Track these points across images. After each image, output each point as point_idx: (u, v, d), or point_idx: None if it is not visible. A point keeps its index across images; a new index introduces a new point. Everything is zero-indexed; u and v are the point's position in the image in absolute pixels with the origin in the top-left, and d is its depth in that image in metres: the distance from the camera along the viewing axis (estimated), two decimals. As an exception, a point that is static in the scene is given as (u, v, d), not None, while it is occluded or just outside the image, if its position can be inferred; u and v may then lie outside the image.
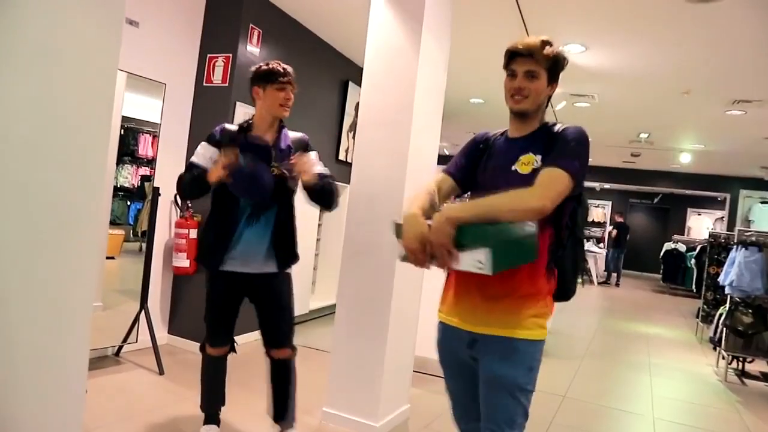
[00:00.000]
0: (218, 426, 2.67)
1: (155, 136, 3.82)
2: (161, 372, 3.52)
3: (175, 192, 4.08)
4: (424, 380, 3.94)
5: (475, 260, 1.48)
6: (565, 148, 1.63)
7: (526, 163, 1.67)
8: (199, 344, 4.07)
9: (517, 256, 1.53)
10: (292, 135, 2.57)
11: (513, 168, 1.68)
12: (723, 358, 5.21)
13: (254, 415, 2.94)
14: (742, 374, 5.24)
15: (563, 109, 6.95)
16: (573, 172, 1.57)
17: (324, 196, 2.49)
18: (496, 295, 1.63)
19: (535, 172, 1.61)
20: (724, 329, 5.20)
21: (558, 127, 1.69)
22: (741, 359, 5.26)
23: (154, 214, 3.70)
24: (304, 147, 2.55)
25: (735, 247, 5.28)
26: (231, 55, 4.10)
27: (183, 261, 4.01)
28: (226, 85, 4.11)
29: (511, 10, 4.02)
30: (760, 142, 7.67)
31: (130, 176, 3.80)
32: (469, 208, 1.54)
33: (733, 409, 4.24)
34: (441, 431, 3.18)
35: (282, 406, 2.62)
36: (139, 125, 3.76)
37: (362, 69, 3.12)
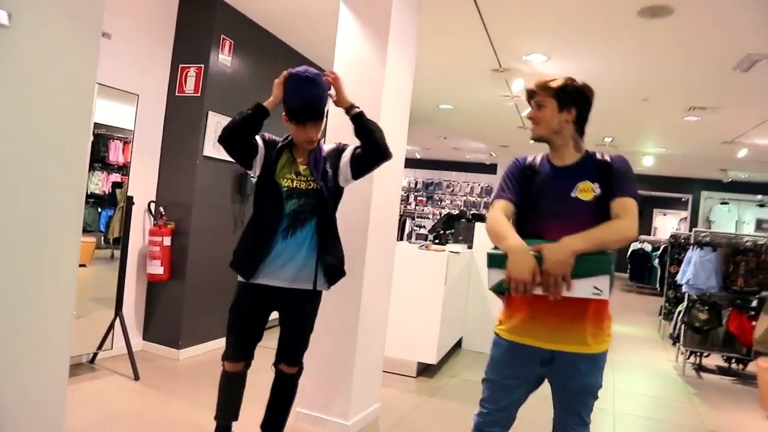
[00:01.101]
0: None
1: (126, 143, 3.84)
2: (137, 378, 3.58)
3: (148, 201, 4.16)
4: (394, 380, 4.07)
5: (591, 287, 1.66)
6: (626, 178, 1.88)
7: (585, 190, 1.89)
8: (172, 349, 4.18)
9: (613, 278, 1.73)
10: (326, 147, 2.57)
11: (573, 195, 1.89)
12: (682, 353, 5.45)
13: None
14: (699, 368, 5.48)
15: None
16: (638, 198, 1.86)
17: (373, 135, 2.43)
18: (577, 316, 1.83)
19: (597, 199, 1.86)
20: (682, 326, 5.45)
21: (604, 156, 1.95)
22: (698, 354, 5.50)
23: (128, 222, 3.76)
24: (338, 150, 2.55)
25: (691, 247, 5.53)
26: (203, 65, 4.18)
27: (157, 268, 4.07)
28: (198, 95, 4.19)
29: (475, 23, 4.18)
30: (718, 146, 7.99)
31: (100, 183, 3.77)
32: (587, 239, 1.72)
33: (689, 401, 4.47)
34: (410, 428, 3.31)
35: (276, 418, 2.67)
36: (110, 131, 3.74)
37: (331, 76, 3.24)
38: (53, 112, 1.75)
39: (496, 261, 1.74)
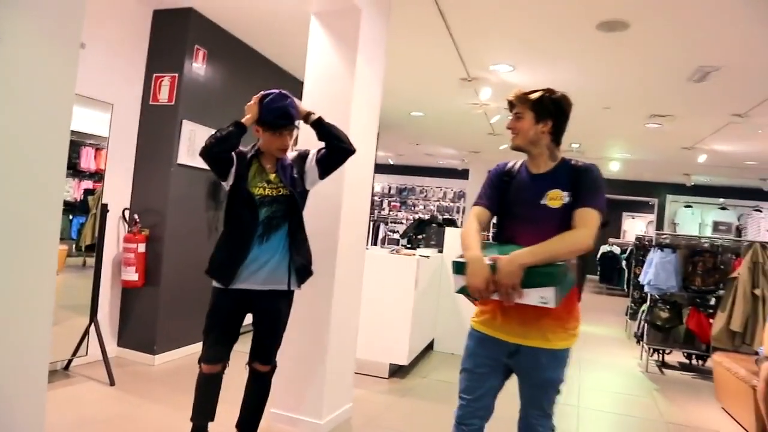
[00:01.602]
0: None
1: (98, 149, 3.84)
2: (112, 383, 3.62)
3: (123, 209, 4.21)
4: (367, 381, 4.18)
5: (539, 296, 1.81)
6: (591, 190, 1.96)
7: (553, 198, 1.99)
8: (147, 354, 4.23)
9: (567, 287, 1.88)
10: (290, 155, 2.74)
11: (542, 202, 2.00)
12: (645, 351, 5.66)
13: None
14: (662, 365, 5.70)
15: (500, 122, 7.36)
16: (602, 210, 1.94)
17: (333, 133, 2.67)
18: (542, 314, 1.94)
19: (565, 207, 1.96)
20: (645, 324, 5.67)
21: (577, 164, 2.03)
22: (661, 351, 5.73)
23: (102, 229, 3.80)
24: (302, 156, 2.75)
25: (652, 248, 5.76)
26: (177, 74, 4.25)
27: (131, 274, 4.12)
28: (172, 103, 4.25)
29: (443, 36, 4.34)
30: (679, 152, 8.30)
31: (72, 190, 3.74)
32: (535, 253, 1.85)
33: (650, 396, 4.66)
34: (382, 427, 3.42)
35: (251, 416, 2.77)
36: (81, 138, 3.71)
37: (302, 82, 3.37)
38: (32, 121, 1.82)
39: (458, 268, 1.91)
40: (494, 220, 2.19)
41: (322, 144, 2.72)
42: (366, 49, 3.29)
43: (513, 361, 2.04)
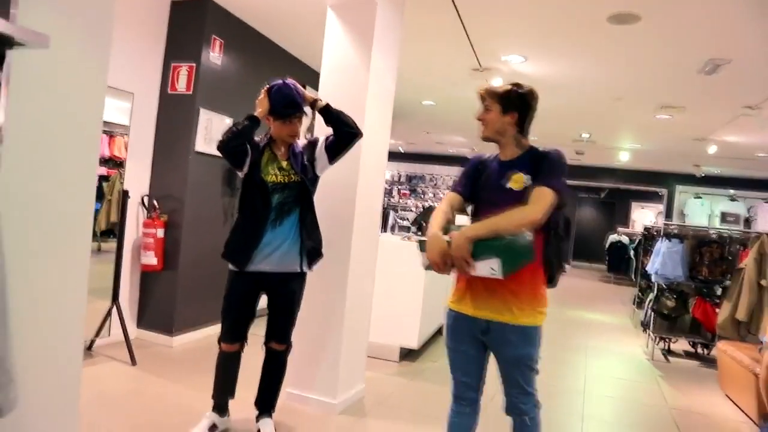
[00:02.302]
0: (223, 416, 2.87)
1: (112, 136, 3.97)
2: (134, 363, 3.77)
3: (142, 195, 4.33)
4: (378, 364, 4.30)
5: (489, 268, 1.96)
6: (550, 170, 2.09)
7: (516, 181, 2.13)
8: (165, 336, 4.38)
9: (520, 260, 1.99)
10: (301, 143, 2.88)
11: (507, 186, 2.14)
12: (651, 339, 5.75)
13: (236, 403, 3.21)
14: (668, 353, 5.79)
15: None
16: (557, 189, 2.04)
17: (340, 118, 2.79)
18: (506, 290, 2.08)
19: (527, 189, 2.08)
20: (652, 313, 5.75)
21: (541, 150, 2.17)
22: (666, 339, 5.82)
23: (124, 215, 3.93)
24: (312, 144, 2.87)
25: (660, 238, 5.82)
26: (195, 64, 4.35)
27: (151, 259, 4.25)
28: (190, 92, 4.35)
29: (456, 27, 4.40)
30: (690, 143, 8.31)
31: None
32: (481, 227, 2.01)
33: (654, 382, 4.76)
34: (393, 407, 3.54)
35: (268, 394, 2.90)
36: None
37: (318, 73, 3.46)
38: (69, 115, 1.92)
39: (421, 246, 2.08)
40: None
41: (330, 131, 2.84)
42: (381, 41, 3.37)
43: (486, 339, 2.15)
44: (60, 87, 1.88)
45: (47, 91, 1.83)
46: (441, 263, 1.99)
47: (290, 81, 2.74)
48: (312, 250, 2.83)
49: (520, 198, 2.06)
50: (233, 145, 2.68)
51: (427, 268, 2.07)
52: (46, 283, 1.89)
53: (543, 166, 2.10)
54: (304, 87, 2.85)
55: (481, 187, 2.22)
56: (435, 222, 2.10)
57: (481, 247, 1.95)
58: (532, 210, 2.00)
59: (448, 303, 2.27)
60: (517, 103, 2.14)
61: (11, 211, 1.57)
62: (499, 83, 5.81)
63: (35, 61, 1.75)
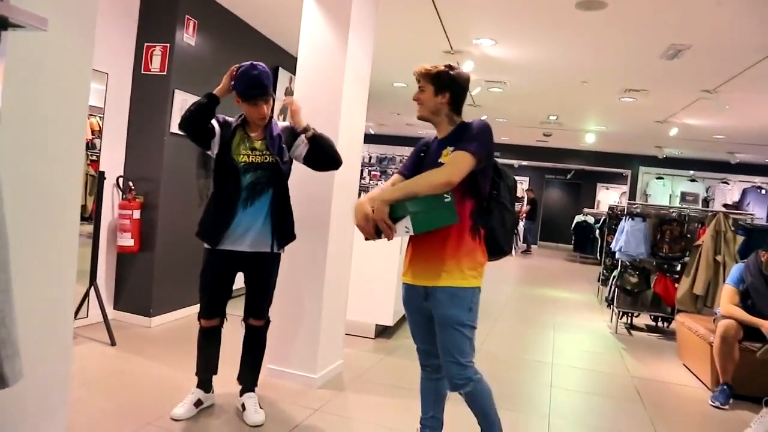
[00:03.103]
0: (207, 392, 2.95)
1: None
2: (113, 344, 3.80)
3: (117, 176, 4.32)
4: (355, 341, 4.43)
5: (403, 227, 2.10)
6: (467, 136, 2.19)
7: (446, 155, 2.24)
8: (143, 317, 4.41)
9: (437, 220, 2.12)
10: (281, 124, 2.91)
11: (439, 161, 2.25)
12: (615, 314, 6.01)
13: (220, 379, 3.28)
14: (631, 327, 6.07)
15: (480, 94, 7.54)
16: (472, 151, 2.12)
17: (325, 150, 2.82)
18: (435, 256, 2.20)
19: None
20: (616, 289, 6.01)
21: (468, 122, 2.28)
22: (629, 314, 6.09)
23: (100, 196, 3.93)
24: (293, 132, 2.88)
25: (624, 217, 6.06)
26: (168, 44, 4.32)
27: (127, 240, 4.26)
28: (165, 73, 4.34)
29: (429, 9, 4.48)
30: (652, 125, 8.59)
31: None
32: (396, 189, 2.16)
33: (618, 354, 5.01)
34: (371, 380, 3.67)
35: (250, 369, 2.98)
36: None
37: (291, 55, 3.50)
38: (56, 96, 1.95)
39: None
40: None
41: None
42: (357, 25, 3.43)
43: (428, 305, 2.26)
44: (48, 68, 1.91)
45: (36, 72, 1.86)
46: (366, 228, 2.13)
47: (260, 64, 2.75)
48: (283, 232, 2.87)
49: None
50: (192, 123, 2.72)
51: (366, 239, 2.20)
52: (38, 261, 1.94)
53: (464, 135, 2.20)
54: (294, 113, 2.88)
55: (424, 166, 2.32)
56: (369, 196, 2.21)
57: (397, 209, 2.09)
58: (443, 171, 2.11)
59: (401, 277, 2.39)
60: (448, 84, 2.24)
61: (3, 189, 1.61)
62: (470, 66, 5.95)
63: (24, 42, 1.78)
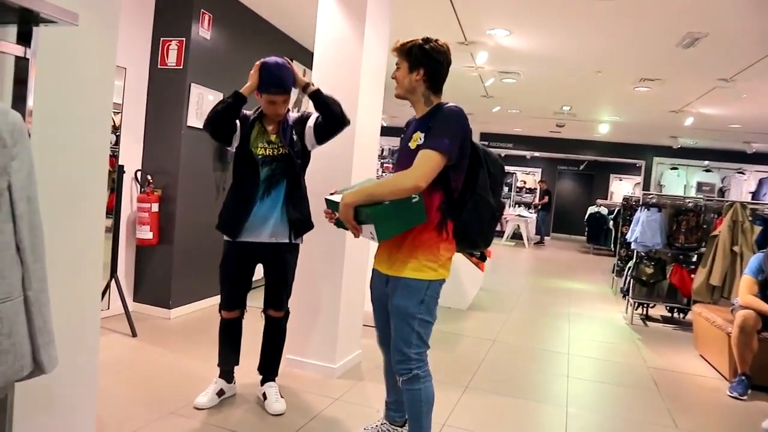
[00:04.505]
0: (230, 383, 2.99)
1: None
2: (134, 335, 3.86)
3: (135, 170, 4.37)
4: (373, 332, 4.44)
5: (368, 232, 2.07)
6: (435, 130, 2.05)
7: (414, 139, 2.16)
8: (163, 309, 4.47)
9: (404, 223, 2.06)
10: (293, 116, 2.90)
11: (409, 144, 2.18)
12: (630, 305, 5.99)
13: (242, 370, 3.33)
14: (646, 318, 6.06)
15: (493, 85, 7.52)
16: (442, 149, 2.00)
17: (329, 106, 2.75)
18: (396, 246, 2.17)
19: (419, 147, 2.08)
20: (631, 280, 5.99)
21: (443, 106, 2.14)
22: (645, 305, 6.07)
23: (119, 189, 3.98)
24: (303, 118, 2.89)
25: (639, 208, 6.03)
26: (184, 38, 4.35)
27: (146, 233, 4.31)
28: (181, 67, 4.37)
29: (442, 0, 4.47)
30: (667, 115, 8.52)
31: None
32: (359, 193, 2.07)
33: (634, 344, 5.00)
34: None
35: (270, 360, 3.02)
36: None
37: (306, 49, 3.50)
38: (82, 92, 1.98)
39: (328, 204, 2.25)
40: None
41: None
42: (373, 16, 3.44)
43: (387, 291, 2.24)
44: (75, 63, 1.93)
45: (63, 67, 1.89)
46: (331, 219, 2.21)
47: (282, 61, 2.76)
48: (298, 222, 2.88)
49: (412, 157, 2.05)
50: (219, 122, 2.75)
51: (335, 224, 2.23)
52: (67, 252, 1.97)
53: (433, 125, 2.06)
54: (291, 61, 2.87)
55: (399, 149, 2.30)
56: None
57: (362, 213, 2.04)
58: (407, 176, 1.98)
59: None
60: (422, 59, 2.10)
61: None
62: (484, 57, 5.93)
63: (52, 38, 1.80)
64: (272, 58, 2.77)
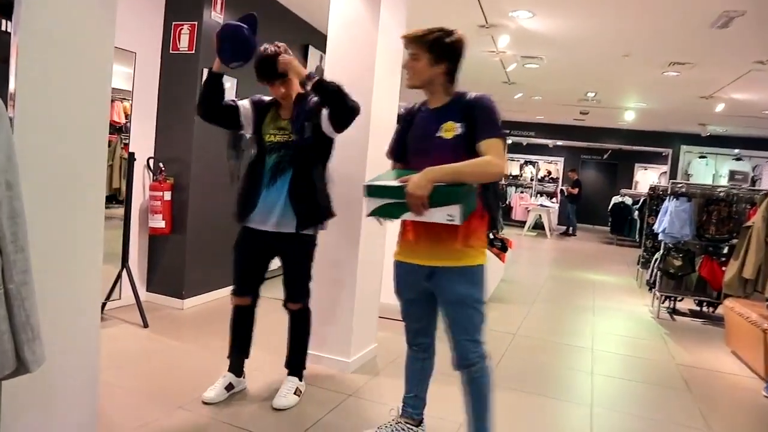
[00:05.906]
0: (239, 377, 2.88)
1: (111, 101, 3.91)
2: (146, 325, 3.79)
3: (147, 157, 4.29)
4: (390, 324, 4.32)
5: (446, 214, 1.93)
6: (487, 119, 2.07)
7: (448, 129, 2.10)
8: (176, 299, 4.40)
9: (471, 208, 2.02)
10: (314, 100, 2.69)
11: (438, 134, 2.11)
12: (657, 298, 5.78)
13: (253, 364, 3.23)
14: (673, 312, 5.84)
15: (515, 70, 7.30)
16: (504, 137, 2.07)
17: (334, 98, 2.54)
18: (446, 237, 2.10)
19: (459, 138, 2.06)
20: (658, 272, 5.77)
21: (470, 96, 2.12)
22: (672, 298, 5.85)
23: (131, 178, 3.90)
24: (321, 104, 2.66)
25: (667, 197, 5.80)
26: (196, 23, 4.24)
27: (159, 222, 4.23)
28: (193, 52, 4.26)
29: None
30: (696, 101, 8.21)
31: None
32: (445, 171, 1.95)
33: (661, 340, 4.81)
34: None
35: (292, 353, 2.92)
36: None
37: (321, 33, 3.37)
38: (76, 73, 1.87)
39: (368, 192, 2.06)
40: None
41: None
42: (389, -2, 3.28)
43: (431, 284, 2.18)
44: (68, 43, 1.82)
45: (55, 47, 1.78)
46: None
47: (235, 24, 2.63)
48: (303, 212, 2.69)
49: (448, 146, 2.06)
50: (205, 106, 2.69)
51: (371, 214, 2.06)
52: (63, 242, 1.88)
53: (478, 115, 2.07)
54: (278, 49, 2.70)
55: (412, 137, 2.21)
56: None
57: (442, 194, 1.92)
58: (492, 161, 1.98)
59: (395, 257, 2.30)
60: (446, 53, 2.10)
61: (27, 173, 1.54)
62: (506, 41, 5.72)
63: (45, 18, 1.69)
64: (229, 23, 2.65)
